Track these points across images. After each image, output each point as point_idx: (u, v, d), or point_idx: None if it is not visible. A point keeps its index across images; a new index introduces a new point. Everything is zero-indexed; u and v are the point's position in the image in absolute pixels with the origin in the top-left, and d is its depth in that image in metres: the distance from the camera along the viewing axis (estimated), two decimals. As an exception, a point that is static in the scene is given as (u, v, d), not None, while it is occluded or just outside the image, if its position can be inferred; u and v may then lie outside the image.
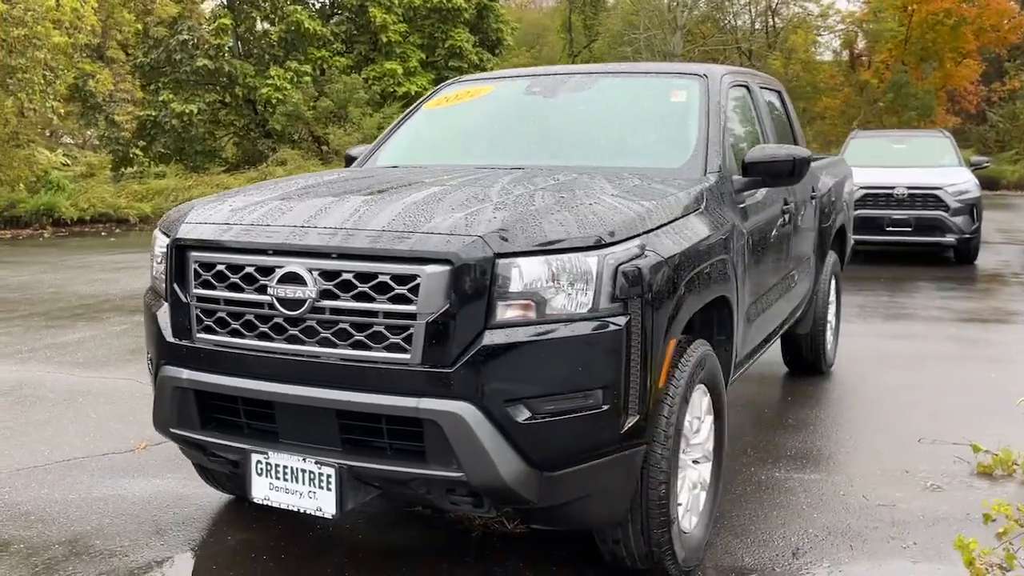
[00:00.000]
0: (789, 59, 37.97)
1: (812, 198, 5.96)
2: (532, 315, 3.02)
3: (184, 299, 3.40)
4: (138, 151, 24.74)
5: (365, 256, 3.08)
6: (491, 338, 2.97)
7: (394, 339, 3.04)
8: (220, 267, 3.31)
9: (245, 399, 3.30)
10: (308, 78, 26.64)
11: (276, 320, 3.20)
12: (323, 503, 3.18)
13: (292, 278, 3.12)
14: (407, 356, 3.02)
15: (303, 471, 3.20)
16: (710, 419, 3.86)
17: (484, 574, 3.69)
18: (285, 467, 3.23)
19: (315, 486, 3.18)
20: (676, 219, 3.56)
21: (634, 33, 37.00)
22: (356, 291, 3.07)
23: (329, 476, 3.15)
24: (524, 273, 3.01)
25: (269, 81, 26.30)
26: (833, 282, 6.87)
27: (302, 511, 3.23)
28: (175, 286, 3.44)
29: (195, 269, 3.38)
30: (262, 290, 3.20)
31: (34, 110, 18.91)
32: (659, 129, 4.66)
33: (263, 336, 3.23)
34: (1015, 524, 3.27)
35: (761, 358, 7.03)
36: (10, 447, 5.28)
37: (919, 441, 5.35)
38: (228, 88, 27.32)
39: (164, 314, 3.51)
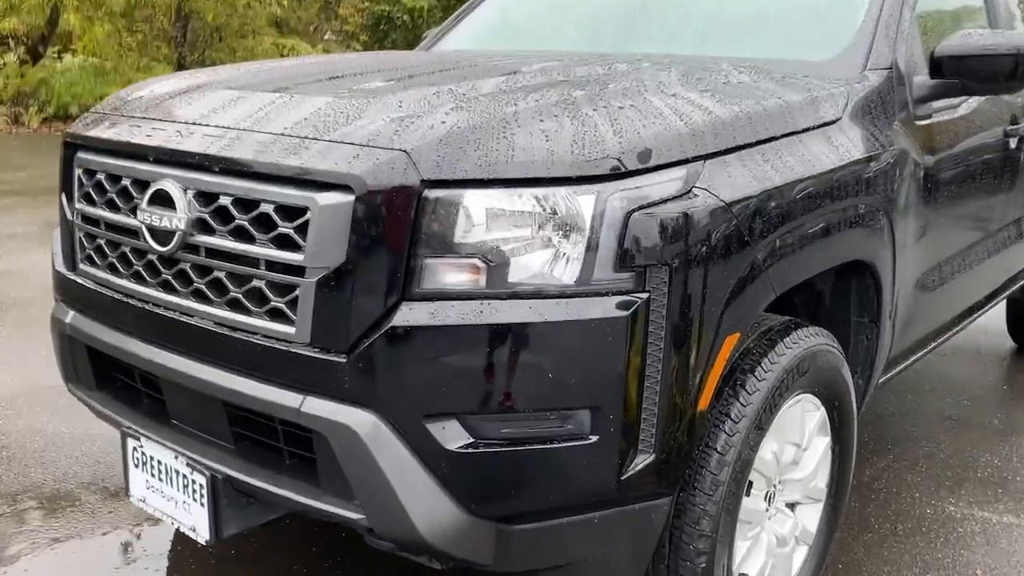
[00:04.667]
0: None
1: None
2: (481, 282, 1.88)
3: (69, 215, 2.51)
4: (359, 46, 24.69)
5: (247, 173, 2.03)
6: (410, 315, 1.86)
7: (277, 302, 2.00)
8: (100, 175, 2.38)
9: (125, 360, 2.38)
10: (540, -27, 25.42)
11: (149, 256, 2.24)
12: (197, 521, 2.23)
13: (163, 198, 2.13)
14: (291, 329, 1.97)
15: (176, 472, 2.26)
16: (824, 443, 2.57)
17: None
18: (159, 462, 2.31)
19: (188, 496, 2.24)
20: (774, 138, 2.25)
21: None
22: (234, 224, 2.04)
23: (201, 487, 2.20)
24: (470, 214, 1.87)
25: (500, -25, 25.34)
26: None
27: (178, 526, 2.31)
28: (62, 197, 2.55)
29: (79, 176, 2.47)
30: (135, 212, 2.23)
31: (259, 2, 19.01)
32: (814, 8, 3.23)
33: (138, 277, 2.29)
34: None
35: (975, 326, 5.40)
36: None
37: None
38: (460, -17, 26.61)
39: (57, 233, 2.65)
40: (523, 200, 1.88)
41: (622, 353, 1.88)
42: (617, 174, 1.89)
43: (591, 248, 1.87)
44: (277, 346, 1.99)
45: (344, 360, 1.90)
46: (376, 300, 1.88)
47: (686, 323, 1.95)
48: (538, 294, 1.87)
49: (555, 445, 1.91)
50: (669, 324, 1.92)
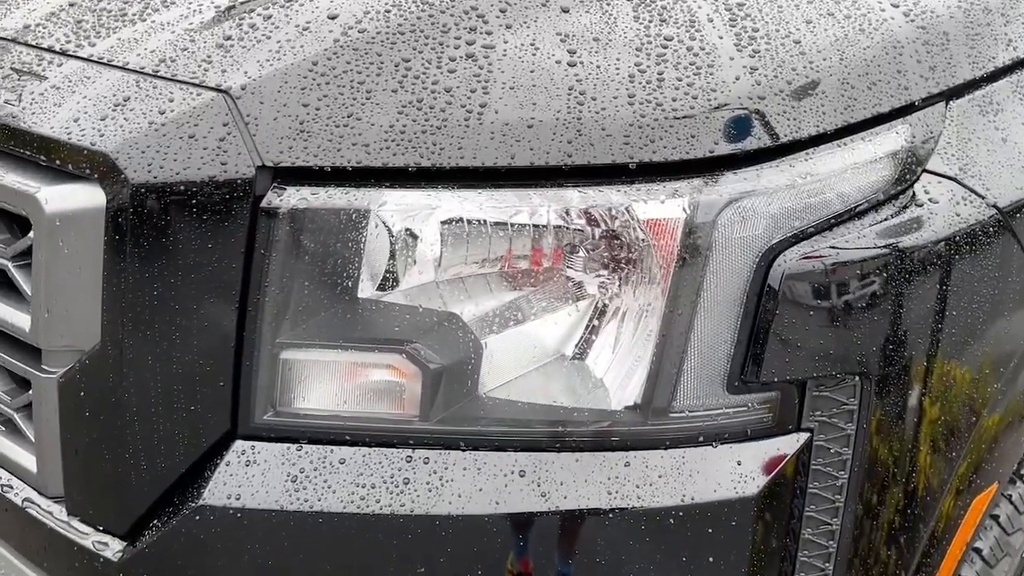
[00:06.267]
0: None
1: None
2: (410, 404, 0.79)
3: None
4: None
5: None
6: (245, 478, 0.80)
7: (7, 406, 0.95)
8: None
9: None
10: None
11: None
12: None
13: None
14: (32, 466, 0.93)
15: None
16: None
17: None
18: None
19: None
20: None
21: None
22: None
23: None
24: (388, 247, 0.76)
25: None
26: None
27: None
28: None
29: None
30: None
31: None
32: None
33: None
34: None
35: None
36: None
37: None
38: None
39: None
40: (513, 216, 0.77)
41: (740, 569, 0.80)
42: (743, 155, 0.76)
43: (675, 331, 0.76)
44: (11, 495, 0.95)
45: (120, 555, 0.86)
46: (177, 434, 0.82)
47: (892, 495, 0.84)
48: (546, 439, 0.79)
49: None
50: (853, 503, 0.82)
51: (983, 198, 0.83)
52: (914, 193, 0.81)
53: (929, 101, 0.85)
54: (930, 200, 0.81)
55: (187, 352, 0.80)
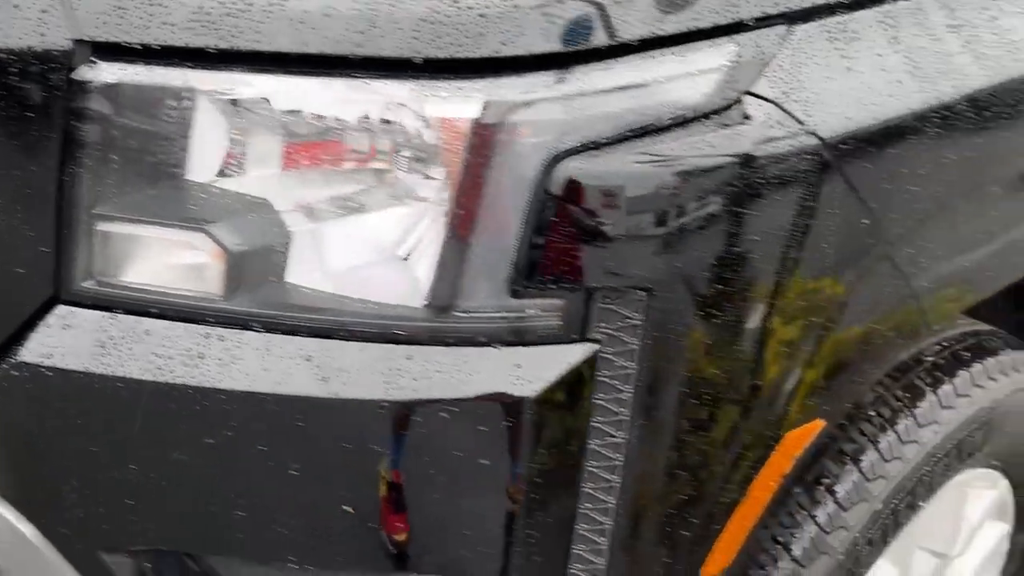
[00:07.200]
0: None
1: None
2: (213, 282, 0.83)
3: None
4: None
5: None
6: (62, 338, 0.85)
7: None
8: None
9: None
10: None
11: None
12: None
13: None
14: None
15: None
16: (995, 536, 1.44)
17: None
18: None
19: None
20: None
21: None
22: None
23: None
24: (189, 126, 0.79)
25: None
26: None
27: None
28: None
29: None
30: None
31: None
32: None
33: None
34: None
35: None
36: None
37: None
38: None
39: None
40: (315, 104, 0.78)
41: (519, 488, 0.82)
42: (533, 58, 0.76)
43: (459, 232, 0.78)
44: None
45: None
46: (8, 294, 0.87)
47: (684, 414, 0.85)
48: (336, 328, 0.81)
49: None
50: (639, 418, 0.82)
51: (802, 124, 0.81)
52: (729, 114, 0.80)
53: (765, 22, 0.83)
54: (742, 121, 0.80)
55: (12, 216, 0.84)
